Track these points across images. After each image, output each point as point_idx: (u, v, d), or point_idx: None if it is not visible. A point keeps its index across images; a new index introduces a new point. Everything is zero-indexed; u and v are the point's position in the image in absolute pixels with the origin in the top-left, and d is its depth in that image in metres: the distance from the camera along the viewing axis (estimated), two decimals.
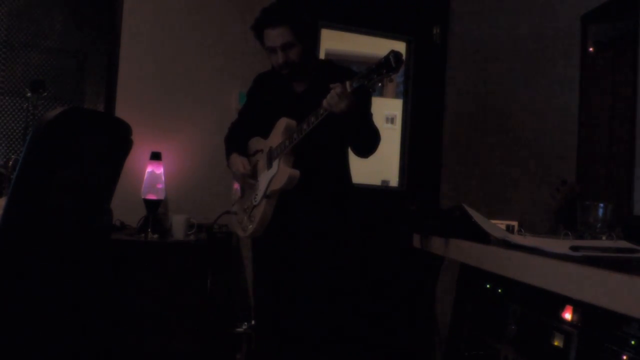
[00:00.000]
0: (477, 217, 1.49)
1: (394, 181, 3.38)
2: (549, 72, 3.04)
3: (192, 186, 2.90)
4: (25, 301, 1.52)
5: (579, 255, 1.13)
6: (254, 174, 2.05)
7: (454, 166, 3.29)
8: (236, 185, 2.24)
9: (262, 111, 2.11)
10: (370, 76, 1.66)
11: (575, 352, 1.13)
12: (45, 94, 2.41)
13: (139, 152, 2.56)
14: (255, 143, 2.12)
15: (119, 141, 1.84)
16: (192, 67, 2.94)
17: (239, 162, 2.06)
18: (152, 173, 2.71)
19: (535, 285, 1.15)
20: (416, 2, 3.30)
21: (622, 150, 2.34)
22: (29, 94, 2.38)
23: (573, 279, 1.02)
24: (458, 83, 3.32)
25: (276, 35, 1.92)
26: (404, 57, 1.64)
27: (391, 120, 3.46)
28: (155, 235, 2.56)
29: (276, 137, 1.97)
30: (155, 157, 2.73)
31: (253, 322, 2.50)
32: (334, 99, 1.74)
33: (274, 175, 1.94)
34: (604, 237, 1.45)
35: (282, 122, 1.95)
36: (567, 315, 1.18)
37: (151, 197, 2.65)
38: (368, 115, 2.01)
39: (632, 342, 0.98)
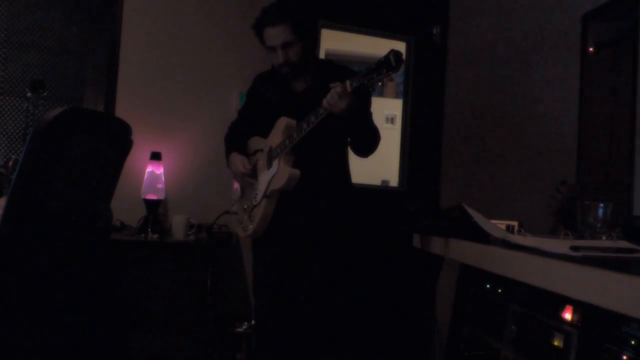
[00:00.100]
0: (477, 217, 1.49)
1: (394, 181, 3.38)
2: (549, 72, 3.03)
3: (192, 186, 2.90)
4: (25, 301, 1.52)
5: (579, 255, 1.13)
6: (253, 174, 2.05)
7: (454, 166, 3.29)
8: (236, 185, 2.24)
9: (262, 111, 2.11)
10: (370, 75, 1.66)
11: (575, 352, 1.13)
12: (45, 94, 2.41)
13: (139, 152, 2.56)
14: (255, 142, 2.12)
15: (119, 141, 1.84)
16: (192, 67, 2.94)
17: (239, 161, 2.06)
18: (152, 173, 2.71)
19: (535, 285, 1.15)
20: (416, 2, 3.30)
21: (622, 150, 2.34)
22: (29, 94, 2.37)
23: (573, 279, 1.02)
24: (458, 83, 3.32)
25: (276, 34, 1.92)
26: (404, 56, 1.64)
27: (391, 120, 3.45)
28: (155, 235, 2.56)
29: (276, 136, 1.97)
30: (155, 157, 2.74)
31: (253, 322, 2.50)
32: (334, 98, 1.74)
33: (274, 174, 1.94)
34: (604, 237, 1.45)
35: (282, 122, 1.95)
36: (567, 315, 1.17)
37: (151, 197, 2.65)
38: (368, 115, 2.01)
39: (632, 342, 0.98)
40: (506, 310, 1.44)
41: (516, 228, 1.64)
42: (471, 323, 1.66)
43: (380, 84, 1.67)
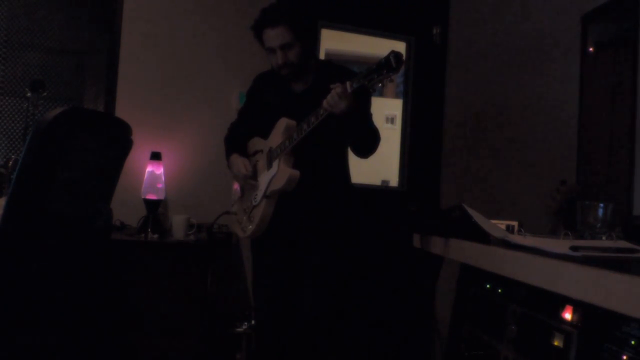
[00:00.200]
0: (477, 217, 1.49)
1: (394, 181, 3.38)
2: (549, 72, 3.04)
3: (192, 186, 2.90)
4: (25, 301, 1.52)
5: (579, 255, 1.13)
6: (253, 175, 2.05)
7: (454, 166, 3.29)
8: (236, 186, 2.24)
9: (262, 111, 2.11)
10: (370, 76, 1.66)
11: (575, 352, 1.13)
12: (45, 94, 2.41)
13: (139, 152, 2.56)
14: (255, 143, 2.12)
15: (119, 141, 1.84)
16: (192, 67, 2.94)
17: (240, 163, 2.05)
18: (152, 173, 2.71)
19: (535, 285, 1.15)
20: (416, 2, 3.30)
21: (622, 150, 2.34)
22: (29, 94, 2.37)
23: (573, 279, 1.02)
24: (458, 83, 3.32)
25: (275, 36, 1.92)
26: (404, 57, 1.64)
27: (391, 120, 3.45)
28: (155, 235, 2.56)
29: (276, 137, 1.97)
30: (155, 157, 2.74)
31: (253, 322, 2.50)
32: (334, 99, 1.74)
33: (274, 175, 1.94)
34: (604, 237, 1.45)
35: (282, 123, 1.95)
36: (567, 315, 1.17)
37: (151, 197, 2.65)
38: (368, 116, 2.01)
39: (632, 342, 0.98)
40: (506, 310, 1.44)
41: (516, 228, 1.64)
42: (471, 323, 1.66)
43: (380, 84, 1.67)
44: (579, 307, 1.15)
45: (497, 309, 1.50)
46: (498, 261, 1.32)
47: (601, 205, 1.49)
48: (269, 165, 1.98)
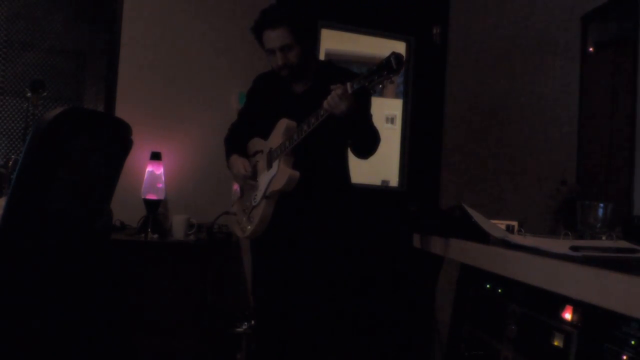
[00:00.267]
0: (477, 217, 1.49)
1: (394, 181, 3.38)
2: (549, 72, 3.03)
3: (192, 186, 2.90)
4: (25, 301, 1.52)
5: (579, 255, 1.13)
6: (253, 175, 2.05)
7: (454, 166, 3.29)
8: (235, 186, 2.24)
9: (262, 112, 2.11)
10: (371, 78, 1.66)
11: (575, 352, 1.13)
12: (45, 94, 2.41)
13: (139, 152, 2.56)
14: (255, 144, 2.12)
15: (119, 141, 1.84)
16: (192, 67, 2.94)
17: (240, 164, 2.05)
18: (152, 173, 2.71)
19: (535, 285, 1.15)
20: (416, 2, 3.30)
21: (622, 150, 2.34)
22: (29, 94, 2.37)
23: (573, 279, 1.02)
24: (458, 83, 3.32)
25: (275, 37, 1.92)
26: (404, 58, 1.64)
27: (391, 120, 3.45)
28: (155, 235, 2.56)
29: (276, 137, 1.97)
30: (155, 157, 2.74)
31: (253, 322, 2.50)
32: (334, 100, 1.74)
33: (274, 176, 1.94)
34: (604, 237, 1.45)
35: (282, 123, 1.95)
36: (567, 315, 1.18)
37: (151, 197, 2.65)
38: (368, 117, 2.01)
39: (632, 342, 0.98)
40: (506, 310, 1.44)
41: (516, 228, 1.64)
42: (471, 323, 1.66)
43: (380, 86, 1.67)
44: (579, 307, 1.15)
45: (497, 309, 1.50)
46: (498, 261, 1.32)
47: (601, 205, 1.49)
48: (269, 166, 1.98)
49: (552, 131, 3.00)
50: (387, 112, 3.46)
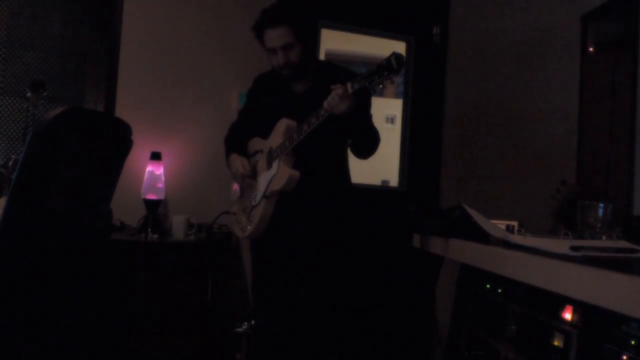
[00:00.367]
0: (477, 217, 1.49)
1: (394, 181, 3.38)
2: (549, 72, 3.03)
3: (192, 186, 2.90)
4: (25, 301, 1.52)
5: (579, 255, 1.13)
6: (253, 175, 2.05)
7: (454, 166, 3.29)
8: (235, 186, 2.24)
9: (262, 112, 2.11)
10: (371, 78, 1.66)
11: (575, 352, 1.13)
12: (45, 94, 2.41)
13: (139, 152, 2.56)
14: (255, 143, 2.12)
15: (119, 141, 1.84)
16: (192, 67, 2.94)
17: (239, 162, 2.06)
18: (152, 173, 2.71)
19: (535, 285, 1.15)
20: (416, 2, 3.30)
21: (622, 150, 2.34)
22: (29, 94, 2.37)
23: (573, 279, 1.01)
24: (458, 83, 3.32)
25: (276, 36, 1.92)
26: (404, 58, 1.64)
27: (391, 120, 3.46)
28: (155, 235, 2.56)
29: (276, 137, 1.97)
30: (155, 157, 2.74)
31: (253, 322, 2.50)
32: (335, 100, 1.74)
33: (274, 175, 1.94)
34: (604, 237, 1.45)
35: (283, 123, 1.95)
36: (567, 315, 1.17)
37: (151, 197, 2.65)
38: (368, 117, 2.01)
39: (632, 342, 0.98)
40: (506, 310, 1.44)
41: (516, 228, 1.64)
42: (471, 323, 1.66)
43: (381, 86, 1.67)
44: (579, 307, 1.15)
45: (497, 309, 1.50)
46: (498, 261, 1.32)
47: (601, 205, 1.49)
48: (269, 166, 1.98)
49: (552, 131, 3.00)
50: (387, 112, 3.46)
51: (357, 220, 2.23)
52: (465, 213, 1.51)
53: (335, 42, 3.30)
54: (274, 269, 2.09)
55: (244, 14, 2.51)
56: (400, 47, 3.24)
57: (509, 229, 1.63)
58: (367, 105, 2.01)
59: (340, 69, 2.11)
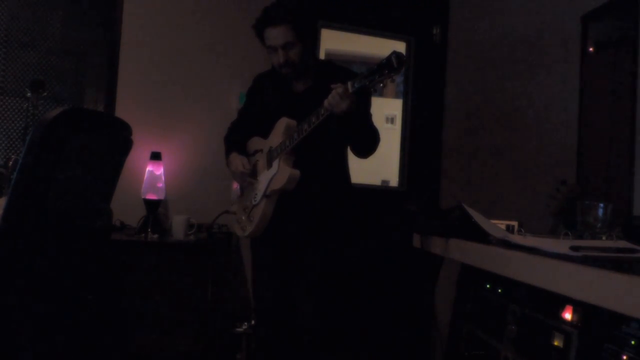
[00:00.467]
0: (477, 217, 1.49)
1: (394, 181, 3.38)
2: (549, 72, 3.03)
3: (192, 186, 2.90)
4: (25, 301, 1.52)
5: (579, 255, 1.13)
6: (253, 174, 2.05)
7: (454, 166, 3.29)
8: (235, 185, 2.24)
9: (262, 111, 2.11)
10: (371, 77, 1.66)
11: (575, 352, 1.13)
12: (45, 94, 2.41)
13: (139, 152, 2.56)
14: (255, 143, 2.12)
15: (119, 141, 1.84)
16: (192, 67, 2.94)
17: (239, 161, 2.05)
18: (152, 173, 2.71)
19: (535, 285, 1.15)
20: (416, 2, 3.30)
21: (622, 150, 2.34)
22: (29, 94, 2.38)
23: (573, 279, 1.02)
24: (458, 83, 3.32)
25: (277, 35, 1.92)
26: (405, 57, 1.64)
27: (391, 120, 3.46)
28: (155, 235, 2.56)
29: (276, 137, 1.97)
30: (155, 157, 2.74)
31: (253, 322, 2.50)
32: (335, 99, 1.74)
33: (274, 175, 1.94)
34: (604, 237, 1.45)
35: (283, 122, 1.95)
36: (567, 315, 1.18)
37: (151, 197, 2.65)
38: (368, 116, 2.01)
39: (632, 342, 0.98)
40: (506, 310, 1.44)
41: (516, 228, 1.64)
42: (471, 323, 1.66)
43: (381, 85, 1.67)
44: (579, 307, 1.15)
45: (497, 309, 1.50)
46: (498, 261, 1.32)
47: (601, 205, 1.49)
48: (269, 165, 1.98)
49: (552, 131, 3.00)
50: (387, 112, 3.47)
51: (357, 220, 2.23)
52: (465, 213, 1.51)
53: (335, 42, 3.30)
54: (274, 269, 2.08)
55: (244, 14, 2.50)
56: (400, 47, 3.24)
57: (509, 229, 1.63)
58: (367, 105, 2.01)
59: (341, 68, 2.11)
